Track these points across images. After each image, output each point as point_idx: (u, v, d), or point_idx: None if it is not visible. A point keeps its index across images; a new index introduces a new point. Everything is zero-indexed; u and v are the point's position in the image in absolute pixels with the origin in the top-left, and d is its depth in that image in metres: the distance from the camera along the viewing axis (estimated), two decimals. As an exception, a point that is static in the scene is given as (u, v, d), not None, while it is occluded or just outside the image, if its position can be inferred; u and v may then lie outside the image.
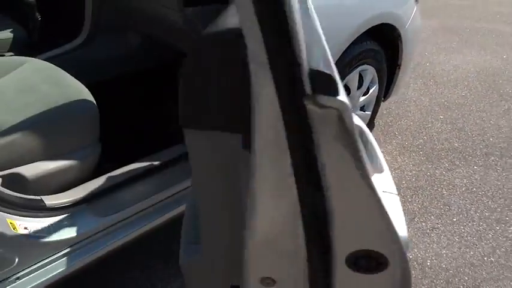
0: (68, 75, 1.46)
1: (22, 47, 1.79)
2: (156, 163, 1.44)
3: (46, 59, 1.74)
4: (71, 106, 1.29)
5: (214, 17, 1.31)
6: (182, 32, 1.41)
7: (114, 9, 1.75)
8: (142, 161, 1.43)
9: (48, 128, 1.24)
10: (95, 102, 1.36)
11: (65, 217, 1.21)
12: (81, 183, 1.32)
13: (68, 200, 1.22)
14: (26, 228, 1.10)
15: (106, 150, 1.47)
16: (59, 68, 1.50)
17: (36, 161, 1.22)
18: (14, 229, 1.07)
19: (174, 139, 1.59)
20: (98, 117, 1.36)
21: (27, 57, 1.56)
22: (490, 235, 1.76)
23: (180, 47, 1.69)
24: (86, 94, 1.37)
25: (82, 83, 1.79)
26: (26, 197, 1.15)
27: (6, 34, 1.81)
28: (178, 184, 1.42)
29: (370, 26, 1.68)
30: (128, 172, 1.38)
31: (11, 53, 1.76)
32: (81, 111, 1.30)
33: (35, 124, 1.22)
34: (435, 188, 2.00)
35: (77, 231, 1.20)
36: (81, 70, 1.84)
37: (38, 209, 1.16)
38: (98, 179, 1.34)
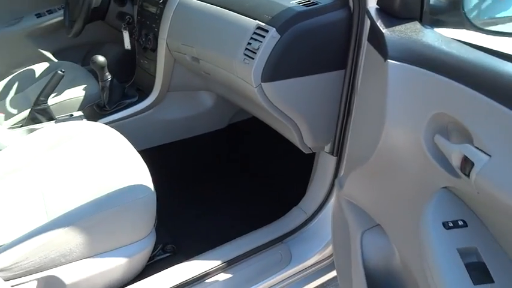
0: (131, 148, 1.29)
1: (93, 106, 1.68)
2: (234, 254, 1.20)
3: (115, 120, 1.62)
4: (127, 195, 1.09)
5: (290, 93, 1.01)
6: (256, 103, 1.17)
7: (186, 71, 1.57)
8: (216, 253, 1.19)
9: (99, 221, 1.04)
10: (153, 187, 1.15)
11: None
12: (126, 284, 1.10)
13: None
14: None
15: (161, 237, 1.26)
16: (122, 137, 1.33)
17: (78, 260, 1.03)
18: None
19: (256, 220, 1.35)
20: (155, 204, 1.14)
21: (90, 122, 1.42)
22: None
23: (253, 113, 1.46)
24: (145, 175, 1.17)
25: (148, 145, 1.65)
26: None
27: (79, 92, 1.72)
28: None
29: None
30: (192, 268, 1.14)
31: (80, 113, 1.66)
32: (138, 200, 1.09)
33: (85, 216, 1.03)
34: None
35: None
36: (149, 132, 1.69)
37: (71, 325, 0.95)
38: (147, 280, 1.12)
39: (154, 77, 1.60)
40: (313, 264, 1.27)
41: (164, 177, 1.34)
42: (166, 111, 1.67)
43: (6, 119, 1.65)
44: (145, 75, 1.67)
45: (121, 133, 1.37)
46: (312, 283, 1.28)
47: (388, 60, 0.72)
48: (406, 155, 0.70)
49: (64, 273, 1.00)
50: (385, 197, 0.83)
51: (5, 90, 1.90)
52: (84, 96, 1.70)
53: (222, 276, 1.18)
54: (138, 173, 1.17)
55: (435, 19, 0.82)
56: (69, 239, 0.99)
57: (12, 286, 0.91)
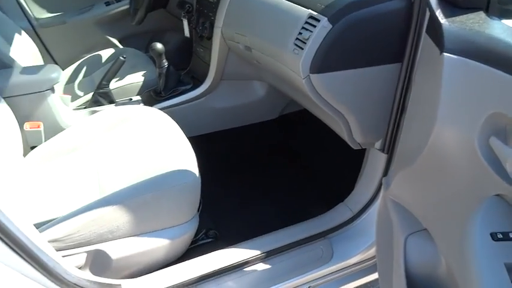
0: (181, 133, 1.32)
1: (151, 92, 1.74)
2: (275, 245, 1.19)
3: (169, 106, 1.67)
4: (174, 179, 1.11)
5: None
6: (305, 95, 1.14)
7: (239, 60, 1.57)
8: (257, 242, 1.19)
9: (146, 202, 1.08)
10: (198, 173, 1.17)
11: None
12: (168, 265, 1.13)
13: (149, 290, 1.03)
14: (95, 323, 0.95)
15: (204, 222, 1.28)
16: (174, 123, 1.37)
17: (125, 238, 1.08)
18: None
19: (299, 213, 1.34)
20: (199, 190, 1.17)
21: (146, 107, 1.48)
22: None
23: (304, 105, 1.43)
24: (192, 162, 1.20)
25: (198, 132, 1.68)
26: (104, 282, 1.00)
27: (138, 77, 1.79)
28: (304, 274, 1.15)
29: None
30: (232, 255, 1.15)
31: (139, 97, 1.73)
32: (183, 185, 1.12)
33: (133, 196, 1.07)
34: None
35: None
36: (201, 119, 1.72)
37: (115, 298, 1.00)
38: (190, 262, 1.14)
39: (208, 65, 1.62)
40: (356, 263, 1.22)
41: (211, 165, 1.37)
42: (218, 99, 1.69)
43: (72, 100, 1.77)
44: (200, 63, 1.70)
45: (174, 119, 1.41)
46: (353, 283, 1.24)
47: (444, 53, 0.66)
48: (457, 156, 0.65)
49: (111, 248, 1.05)
50: (433, 201, 0.77)
51: (74, 74, 2.03)
52: (143, 81, 1.77)
53: (261, 266, 1.18)
54: (185, 159, 1.20)
55: (504, 9, 0.74)
56: (117, 216, 1.04)
57: (63, 256, 0.97)
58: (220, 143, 1.73)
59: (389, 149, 1.15)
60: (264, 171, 1.64)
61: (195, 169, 1.17)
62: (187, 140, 1.30)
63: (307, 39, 0.99)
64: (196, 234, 1.25)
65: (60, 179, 1.22)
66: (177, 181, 1.12)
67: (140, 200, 1.07)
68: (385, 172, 1.20)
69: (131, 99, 1.71)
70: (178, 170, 1.14)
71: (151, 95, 1.71)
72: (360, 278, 1.25)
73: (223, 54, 1.56)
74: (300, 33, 1.03)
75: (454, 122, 0.65)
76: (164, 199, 1.10)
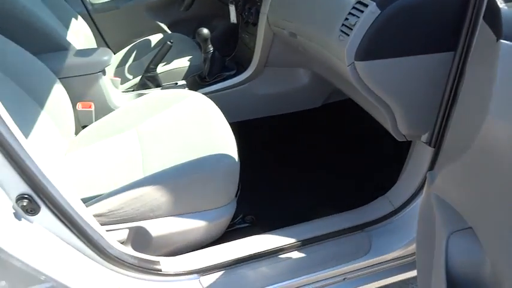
0: (223, 118, 1.33)
1: (195, 76, 1.77)
2: (311, 234, 1.19)
3: (213, 91, 1.69)
4: (214, 163, 1.13)
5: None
6: (350, 83, 1.11)
7: (284, 46, 1.55)
8: (293, 230, 1.19)
9: (187, 184, 1.11)
10: (238, 159, 1.18)
11: (178, 287, 1.06)
12: (205, 246, 1.16)
13: (185, 269, 1.06)
14: (133, 296, 0.99)
15: (242, 207, 1.29)
16: (217, 108, 1.38)
17: (165, 217, 1.11)
18: (120, 297, 0.96)
19: (338, 203, 1.32)
20: (238, 175, 1.18)
21: (190, 91, 1.50)
22: None
23: (348, 94, 1.39)
24: (232, 147, 1.21)
25: (240, 118, 1.69)
26: (144, 258, 1.04)
27: (184, 62, 1.83)
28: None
29: None
30: (269, 241, 1.16)
31: (183, 82, 1.76)
32: (223, 168, 1.14)
33: (174, 177, 1.10)
34: None
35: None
36: (243, 105, 1.73)
37: (153, 273, 1.04)
38: (226, 245, 1.16)
39: (253, 51, 1.62)
40: (394, 258, 1.19)
41: (252, 151, 1.37)
42: (261, 86, 1.68)
43: (122, 83, 1.84)
44: (245, 50, 1.70)
45: (217, 104, 1.42)
46: (390, 278, 1.21)
47: (501, 41, 0.61)
48: (508, 152, 0.60)
49: (151, 226, 1.09)
50: (481, 198, 0.73)
51: (124, 58, 2.10)
52: (189, 66, 1.81)
53: (297, 255, 1.18)
54: (226, 144, 1.21)
55: None
56: (158, 196, 1.07)
57: (106, 230, 1.02)
58: (261, 129, 1.73)
59: (437, 143, 1.10)
60: (304, 160, 1.62)
61: (234, 154, 1.18)
62: (228, 125, 1.31)
63: (354, 25, 0.96)
64: (234, 218, 1.27)
65: (107, 157, 1.27)
66: (217, 165, 1.13)
67: (181, 181, 1.10)
68: (431, 167, 1.15)
69: (176, 83, 1.75)
70: (219, 154, 1.16)
71: (195, 80, 1.74)
72: (397, 274, 1.22)
73: (268, 40, 1.55)
74: (347, 19, 1.00)
75: (507, 115, 0.60)
76: (204, 182, 1.12)
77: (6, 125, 0.72)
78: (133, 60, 2.15)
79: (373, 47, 0.95)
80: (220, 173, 1.14)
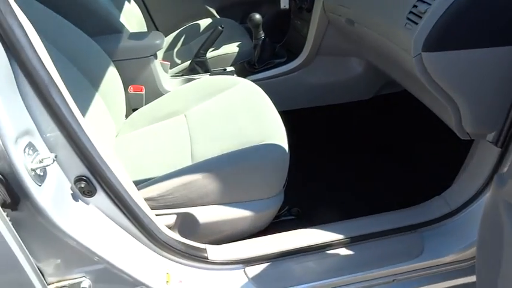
0: (272, 107, 1.30)
1: (244, 63, 1.75)
2: (360, 232, 1.14)
3: (262, 79, 1.66)
4: (264, 152, 1.11)
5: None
6: (410, 76, 1.04)
7: (338, 34, 1.49)
8: (341, 226, 1.16)
9: (236, 173, 1.09)
10: (287, 148, 1.15)
11: (223, 275, 1.05)
12: (250, 236, 1.15)
13: (231, 258, 1.06)
14: (180, 281, 0.99)
15: (288, 198, 1.26)
16: (266, 96, 1.35)
17: (213, 205, 1.10)
18: (167, 282, 0.97)
19: (388, 202, 1.27)
20: (287, 166, 1.15)
21: (240, 78, 1.48)
22: None
23: (406, 86, 1.32)
24: (282, 136, 1.18)
25: (289, 107, 1.65)
26: (191, 244, 1.04)
27: (233, 48, 1.80)
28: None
29: None
30: (315, 235, 1.13)
31: (232, 68, 1.75)
32: (273, 158, 1.11)
33: (223, 165, 1.09)
34: None
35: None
36: (293, 93, 1.69)
37: (199, 260, 1.04)
38: (272, 236, 1.14)
39: (305, 38, 1.57)
40: (448, 263, 1.12)
41: (300, 141, 1.34)
42: (312, 74, 1.64)
43: (170, 67, 1.85)
44: (297, 36, 1.65)
45: (266, 91, 1.40)
46: (442, 283, 1.14)
47: None
48: None
49: (199, 213, 1.09)
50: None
51: (173, 42, 2.11)
52: (238, 52, 1.78)
53: (344, 251, 1.14)
54: (276, 133, 1.18)
55: None
56: (207, 183, 1.07)
57: (156, 215, 1.03)
58: (310, 119, 1.69)
59: (505, 142, 1.02)
60: (354, 154, 1.57)
61: (284, 145, 1.15)
62: (278, 114, 1.28)
63: (424, 12, 0.89)
64: (280, 210, 1.25)
65: (156, 141, 1.28)
66: (267, 155, 1.11)
67: (230, 170, 1.08)
68: (496, 168, 1.07)
69: (225, 69, 1.73)
70: (269, 144, 1.13)
71: (244, 67, 1.71)
72: (450, 279, 1.15)
73: (322, 27, 1.50)
74: (415, 6, 0.93)
75: None
76: (252, 172, 1.10)
77: (69, 107, 0.72)
78: (182, 45, 2.16)
79: (444, 37, 0.88)
80: (270, 163, 1.11)
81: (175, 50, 2.08)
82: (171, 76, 1.74)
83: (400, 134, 1.65)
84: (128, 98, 1.50)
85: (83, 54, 1.32)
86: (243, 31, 2.02)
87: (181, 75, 1.75)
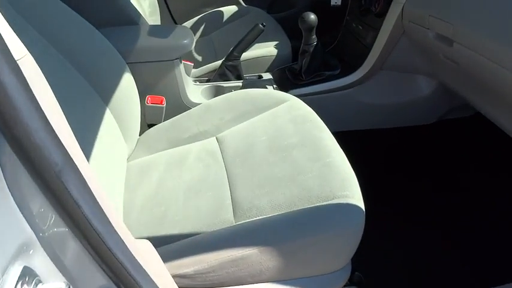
0: (334, 141, 1.01)
1: (286, 70, 1.43)
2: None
3: (309, 94, 1.36)
4: (339, 218, 0.82)
5: None
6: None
7: (412, 47, 1.20)
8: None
9: (302, 246, 0.81)
10: (364, 208, 0.87)
11: None
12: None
13: None
14: None
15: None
16: (323, 124, 1.06)
17: (266, 282, 0.82)
18: None
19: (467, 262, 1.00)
20: (362, 232, 0.87)
21: (289, 96, 1.18)
22: None
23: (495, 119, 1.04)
24: (356, 190, 0.89)
25: (340, 128, 1.36)
26: None
27: (270, 50, 1.49)
28: None
29: None
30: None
31: (269, 75, 1.44)
32: (349, 226, 0.83)
33: (287, 236, 0.80)
34: None
35: None
36: (344, 114, 1.39)
37: None
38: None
39: (368, 48, 1.27)
40: None
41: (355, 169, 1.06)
42: (370, 92, 1.34)
43: (194, 66, 1.52)
44: (356, 44, 1.35)
45: (314, 110, 1.11)
46: None
47: None
48: None
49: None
50: None
51: (192, 31, 1.78)
52: (276, 56, 1.47)
53: None
54: (348, 185, 0.89)
55: None
56: (263, 260, 0.78)
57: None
58: (363, 144, 1.40)
59: None
60: (419, 193, 1.29)
61: (361, 203, 0.87)
62: (343, 153, 0.99)
63: None
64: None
65: (182, 175, 0.99)
66: (342, 223, 0.83)
67: (294, 243, 0.80)
68: None
69: (261, 76, 1.43)
70: (343, 206, 0.84)
71: (285, 75, 1.40)
72: None
73: (395, 37, 1.20)
74: None
75: None
76: (323, 244, 0.82)
77: (98, 205, 0.42)
78: (201, 36, 1.83)
79: None
80: (344, 232, 0.83)
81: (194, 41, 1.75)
82: (194, 80, 1.42)
83: (475, 164, 1.37)
84: (144, 109, 1.19)
85: (88, 54, 1.00)
86: (275, 25, 1.69)
87: (208, 80, 1.43)
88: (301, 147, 0.99)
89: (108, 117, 1.02)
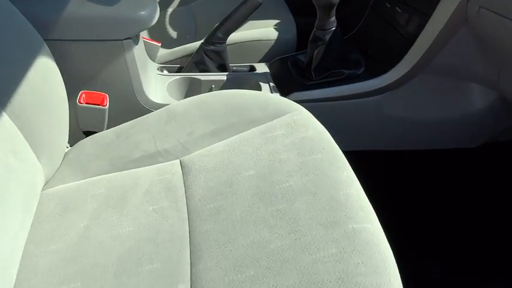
0: (346, 164, 0.67)
1: (288, 63, 1.06)
2: None
3: (319, 99, 0.99)
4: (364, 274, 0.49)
5: None
6: None
7: (475, 44, 0.84)
8: None
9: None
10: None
11: None
12: None
13: None
14: None
15: None
16: (340, 156, 0.70)
17: None
18: None
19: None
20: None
21: (292, 103, 0.81)
22: None
23: None
24: (384, 245, 0.56)
25: (359, 147, 1.02)
26: None
27: (269, 33, 1.11)
28: None
29: None
30: None
31: (265, 66, 1.06)
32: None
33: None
34: None
35: None
36: (366, 129, 1.03)
37: None
38: None
39: (409, 40, 0.90)
40: None
41: (377, 199, 0.72)
42: (404, 103, 0.98)
43: (162, 46, 1.13)
44: (389, 33, 0.98)
45: (325, 122, 0.76)
46: None
47: None
48: None
49: None
50: None
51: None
52: (276, 41, 1.09)
53: None
54: (380, 272, 0.55)
55: None
56: None
57: None
58: (385, 169, 1.05)
59: None
60: (456, 222, 0.96)
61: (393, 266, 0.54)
62: (370, 207, 0.64)
63: None
64: None
65: (112, 227, 0.64)
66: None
67: None
68: None
69: (253, 68, 1.05)
70: (380, 275, 0.50)
71: (288, 70, 1.03)
72: None
73: (452, 28, 0.84)
74: None
75: None
76: None
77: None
78: (180, 4, 1.44)
79: None
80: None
81: (168, 13, 1.36)
82: (159, 68, 1.04)
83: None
84: (76, 111, 0.81)
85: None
86: (279, 0, 1.31)
87: (179, 70, 1.04)
88: (308, 196, 0.63)
89: (14, 136, 0.65)
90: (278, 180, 0.67)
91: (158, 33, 1.17)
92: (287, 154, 0.71)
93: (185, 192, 0.69)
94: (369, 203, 0.65)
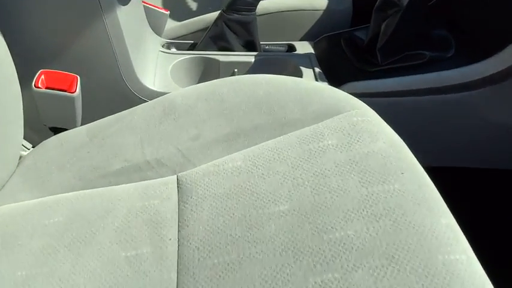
0: (423, 174, 0.41)
1: (341, 39, 0.80)
2: None
3: (387, 93, 0.71)
4: None
5: None
6: None
7: None
8: None
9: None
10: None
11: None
12: None
13: None
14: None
15: None
16: (424, 176, 0.43)
17: None
18: None
19: None
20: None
21: (347, 96, 0.55)
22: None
23: None
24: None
25: (444, 163, 0.75)
26: None
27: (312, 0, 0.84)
28: None
29: None
30: None
31: (308, 45, 0.79)
32: None
33: None
34: None
35: None
36: (463, 138, 0.75)
37: None
38: None
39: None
40: None
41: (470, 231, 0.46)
42: (510, 103, 0.69)
43: (172, 17, 0.89)
44: (491, 3, 0.68)
45: (393, 125, 0.50)
46: None
47: None
48: None
49: None
50: None
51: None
52: (324, 11, 0.83)
53: None
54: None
55: None
56: None
57: None
58: (479, 193, 0.77)
59: None
60: None
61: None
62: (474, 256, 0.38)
63: None
64: None
65: (67, 281, 0.41)
66: None
67: None
68: None
69: (291, 47, 0.79)
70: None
71: (341, 51, 0.76)
72: None
73: None
74: None
75: None
76: None
77: None
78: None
79: None
80: None
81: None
82: (165, 46, 0.79)
83: None
84: (35, 100, 0.58)
85: None
86: None
87: (192, 47, 0.79)
88: (382, 261, 0.37)
89: None
90: (327, 226, 0.41)
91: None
92: (342, 180, 0.45)
93: (178, 232, 0.45)
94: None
